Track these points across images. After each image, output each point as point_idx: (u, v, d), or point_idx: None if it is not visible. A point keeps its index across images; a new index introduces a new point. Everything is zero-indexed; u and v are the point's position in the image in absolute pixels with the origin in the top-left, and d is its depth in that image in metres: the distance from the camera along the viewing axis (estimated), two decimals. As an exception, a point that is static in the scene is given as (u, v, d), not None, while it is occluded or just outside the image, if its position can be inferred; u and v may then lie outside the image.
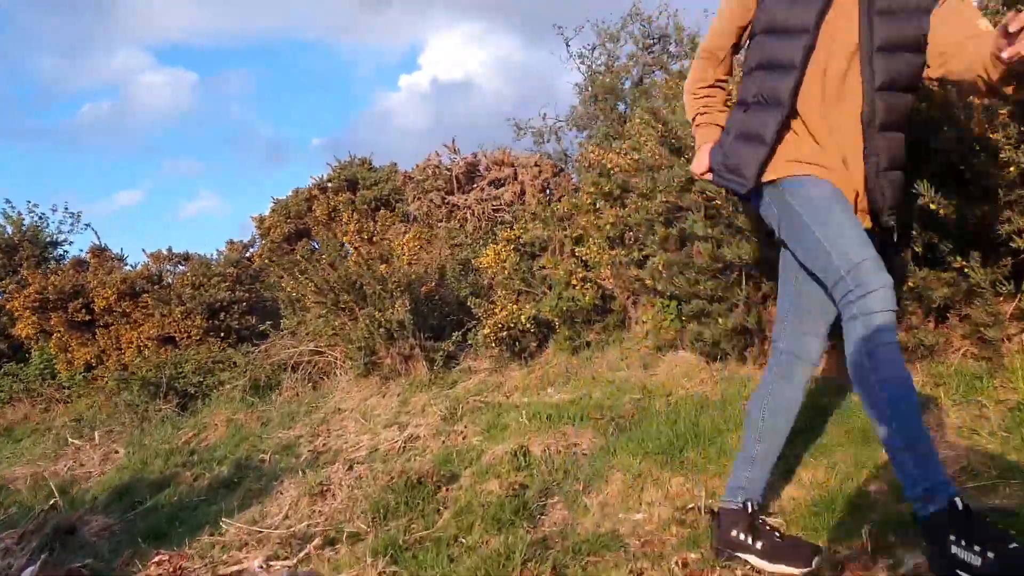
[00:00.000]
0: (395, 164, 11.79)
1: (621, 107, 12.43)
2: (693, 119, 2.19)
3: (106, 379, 7.01)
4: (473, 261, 6.12)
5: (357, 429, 4.69)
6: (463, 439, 4.02)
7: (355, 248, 5.59)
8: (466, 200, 8.50)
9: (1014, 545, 1.58)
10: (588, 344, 4.90)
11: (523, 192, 8.60)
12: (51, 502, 4.12)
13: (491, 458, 3.49)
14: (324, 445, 4.59)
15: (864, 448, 2.68)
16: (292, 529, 3.17)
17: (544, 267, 5.30)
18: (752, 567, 2.12)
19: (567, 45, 13.60)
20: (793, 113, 1.88)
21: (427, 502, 3.21)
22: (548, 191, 8.43)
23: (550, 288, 5.14)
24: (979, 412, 2.71)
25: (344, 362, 5.72)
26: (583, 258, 4.80)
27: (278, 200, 11.88)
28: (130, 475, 4.79)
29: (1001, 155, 2.55)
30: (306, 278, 5.57)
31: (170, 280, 8.47)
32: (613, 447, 3.20)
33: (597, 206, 4.96)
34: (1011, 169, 2.57)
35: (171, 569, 2.83)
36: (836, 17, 1.81)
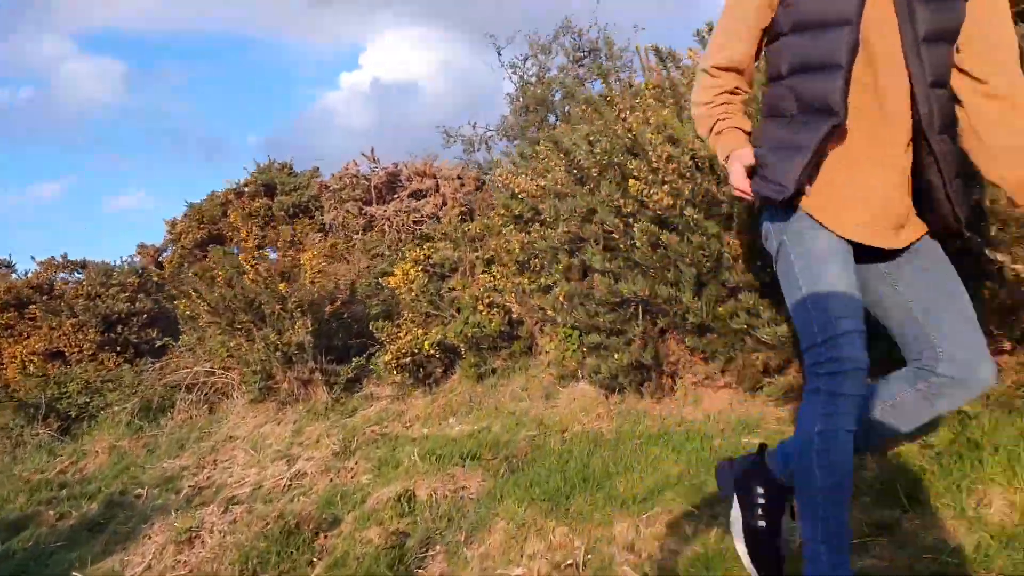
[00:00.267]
0: (317, 169, 11.43)
1: (552, 119, 12.41)
2: (711, 128, 1.76)
3: (-20, 399, 6.47)
4: (381, 280, 5.91)
5: (245, 461, 4.43)
6: (352, 477, 3.82)
7: (252, 265, 5.29)
8: (385, 211, 8.27)
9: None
10: (494, 371, 4.76)
11: (445, 204, 8.43)
12: None
13: (375, 502, 3.30)
14: (208, 479, 4.31)
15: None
16: (151, 583, 2.92)
17: (454, 289, 5.14)
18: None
19: (499, 54, 13.53)
20: (843, 122, 1.55)
21: (301, 552, 3.01)
22: (470, 205, 8.28)
23: (458, 312, 4.98)
24: (857, 462, 2.68)
25: (240, 386, 5.42)
26: (490, 283, 4.66)
27: (192, 204, 11.36)
28: (-12, 512, 4.39)
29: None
30: (199, 296, 5.26)
31: (63, 290, 7.93)
32: (500, 492, 3.06)
33: (504, 230, 4.84)
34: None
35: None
36: (869, 7, 1.52)
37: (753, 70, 1.79)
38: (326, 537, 3.14)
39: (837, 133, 1.56)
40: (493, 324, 4.58)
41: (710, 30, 3.83)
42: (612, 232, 3.53)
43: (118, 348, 7.44)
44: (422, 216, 8.25)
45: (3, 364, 7.14)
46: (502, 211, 4.84)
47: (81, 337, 7.21)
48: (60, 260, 8.42)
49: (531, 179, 4.33)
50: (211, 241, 11.10)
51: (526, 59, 13.64)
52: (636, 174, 3.40)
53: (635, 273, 3.45)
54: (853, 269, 1.61)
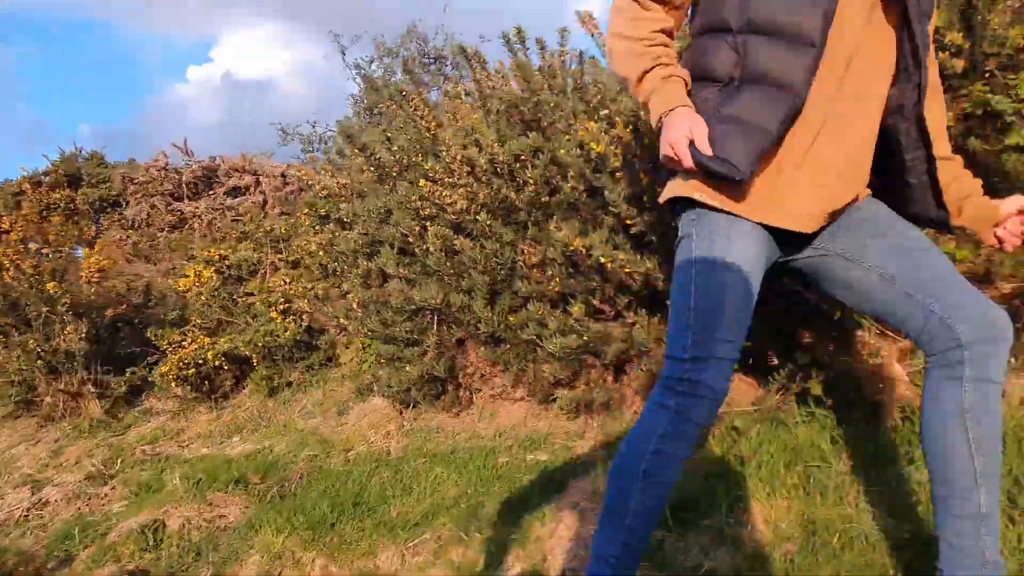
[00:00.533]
0: (133, 161, 10.41)
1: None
2: (647, 70, 1.36)
3: None
4: (173, 282, 5.35)
5: (-21, 489, 3.76)
6: (103, 505, 3.32)
7: (12, 261, 4.57)
8: (196, 208, 7.60)
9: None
10: (290, 384, 4.38)
11: (267, 203, 7.90)
12: None
13: (117, 535, 2.85)
14: (-73, 512, 3.60)
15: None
16: None
17: (251, 294, 4.71)
18: None
19: (343, 54, 13.07)
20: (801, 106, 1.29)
21: (11, 600, 2.52)
22: (293, 205, 7.79)
23: (254, 318, 4.56)
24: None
25: (-4, 398, 4.67)
26: (284, 287, 4.29)
27: (-23, 193, 9.93)
28: None
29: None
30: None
31: None
32: (259, 521, 2.73)
33: (314, 230, 4.50)
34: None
35: None
36: None
37: (683, 16, 1.46)
38: (49, 580, 2.66)
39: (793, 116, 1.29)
40: (288, 333, 4.21)
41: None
42: (408, 235, 3.31)
43: None
44: (239, 215, 7.67)
45: None
46: (306, 210, 4.50)
47: None
48: None
49: (332, 176, 4.02)
50: (-3, 234, 9.78)
51: (372, 61, 13.29)
52: (431, 175, 3.21)
53: (430, 280, 3.25)
54: (761, 273, 1.38)
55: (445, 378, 3.41)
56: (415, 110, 3.34)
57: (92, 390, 4.62)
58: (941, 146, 1.44)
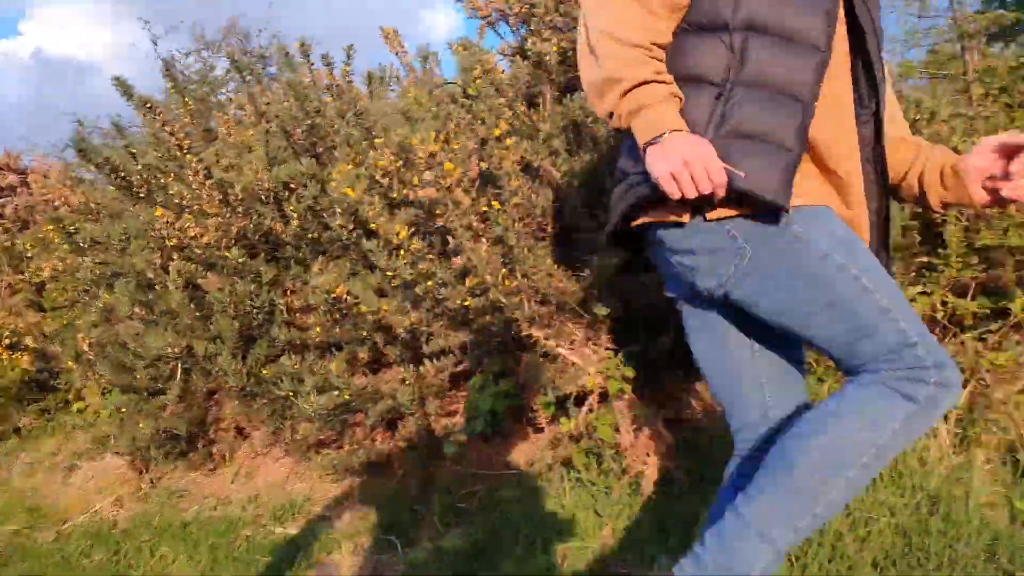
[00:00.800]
0: None
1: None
2: (643, 83, 1.14)
3: None
4: None
5: None
6: None
7: None
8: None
9: None
10: (18, 430, 3.70)
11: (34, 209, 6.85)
12: None
13: None
14: None
15: None
16: None
17: (-22, 321, 3.95)
18: None
19: (155, 44, 11.89)
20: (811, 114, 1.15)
21: None
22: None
23: (-20, 351, 3.82)
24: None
25: None
26: (15, 320, 3.62)
27: None
28: None
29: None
30: None
31: None
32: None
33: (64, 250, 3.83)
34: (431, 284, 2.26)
35: None
36: None
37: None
38: None
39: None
40: (15, 371, 3.55)
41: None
42: (146, 269, 2.84)
43: None
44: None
45: None
46: (50, 226, 3.83)
47: None
48: None
49: (75, 189, 3.44)
50: None
51: (188, 54, 12.22)
52: (179, 200, 2.77)
53: (171, 322, 2.80)
54: None
55: (194, 434, 2.96)
56: (163, 124, 2.88)
57: None
58: (896, 127, 1.36)
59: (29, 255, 4.27)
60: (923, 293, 2.06)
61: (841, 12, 1.17)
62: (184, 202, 2.75)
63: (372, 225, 2.15)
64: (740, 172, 1.07)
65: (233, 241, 2.72)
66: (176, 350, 2.70)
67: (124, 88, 3.12)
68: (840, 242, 1.13)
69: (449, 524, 2.42)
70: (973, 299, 2.35)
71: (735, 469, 1.31)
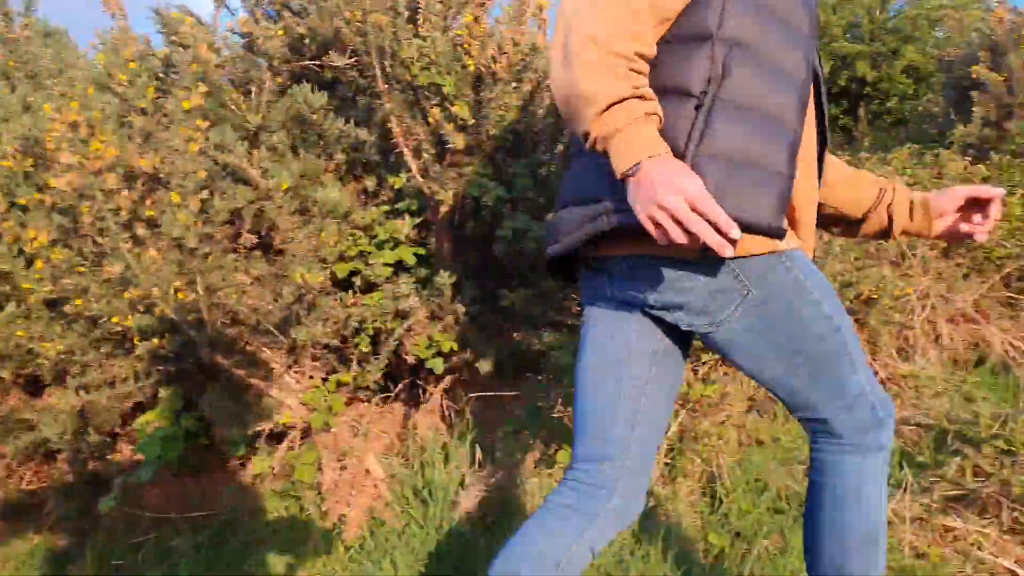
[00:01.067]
0: None
1: None
2: (621, 99, 0.99)
3: None
4: None
5: None
6: None
7: None
8: None
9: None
10: None
11: None
12: None
13: None
14: None
15: None
16: None
17: None
18: None
19: None
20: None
21: None
22: None
23: None
24: None
25: None
26: None
27: None
28: None
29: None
30: None
31: None
32: None
33: None
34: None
35: None
36: None
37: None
38: None
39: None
40: None
41: None
42: None
43: None
44: None
45: None
46: None
47: None
48: None
49: None
50: None
51: None
52: None
53: None
54: None
55: None
56: None
57: None
58: (838, 171, 1.38)
59: None
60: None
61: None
62: None
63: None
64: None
65: None
66: None
67: None
68: (827, 291, 1.13)
69: (103, 586, 1.98)
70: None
71: (561, 499, 1.16)
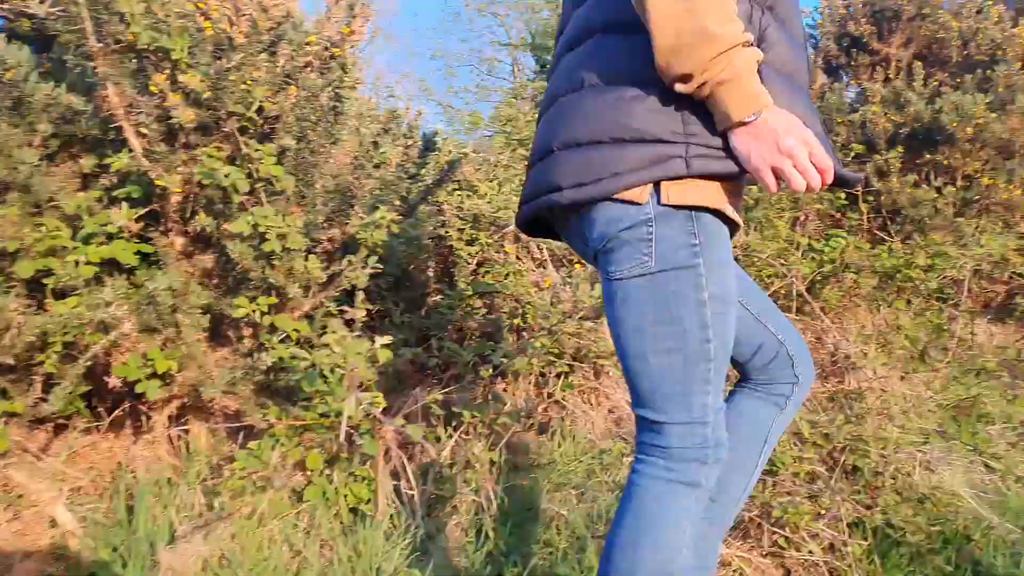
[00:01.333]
0: None
1: None
2: (747, 43, 0.94)
3: None
4: None
5: None
6: None
7: None
8: None
9: None
10: None
11: None
12: None
13: None
14: None
15: None
16: None
17: None
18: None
19: None
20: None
21: None
22: None
23: None
24: None
25: None
26: None
27: None
28: None
29: None
30: None
31: None
32: None
33: None
34: None
35: None
36: None
37: None
38: None
39: None
40: None
41: None
42: None
43: None
44: None
45: None
46: None
47: None
48: None
49: None
50: None
51: None
52: None
53: None
54: None
55: None
56: None
57: None
58: None
59: None
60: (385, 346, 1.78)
61: None
62: None
63: None
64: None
65: None
66: None
67: None
68: (726, 294, 1.03)
69: None
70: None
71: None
